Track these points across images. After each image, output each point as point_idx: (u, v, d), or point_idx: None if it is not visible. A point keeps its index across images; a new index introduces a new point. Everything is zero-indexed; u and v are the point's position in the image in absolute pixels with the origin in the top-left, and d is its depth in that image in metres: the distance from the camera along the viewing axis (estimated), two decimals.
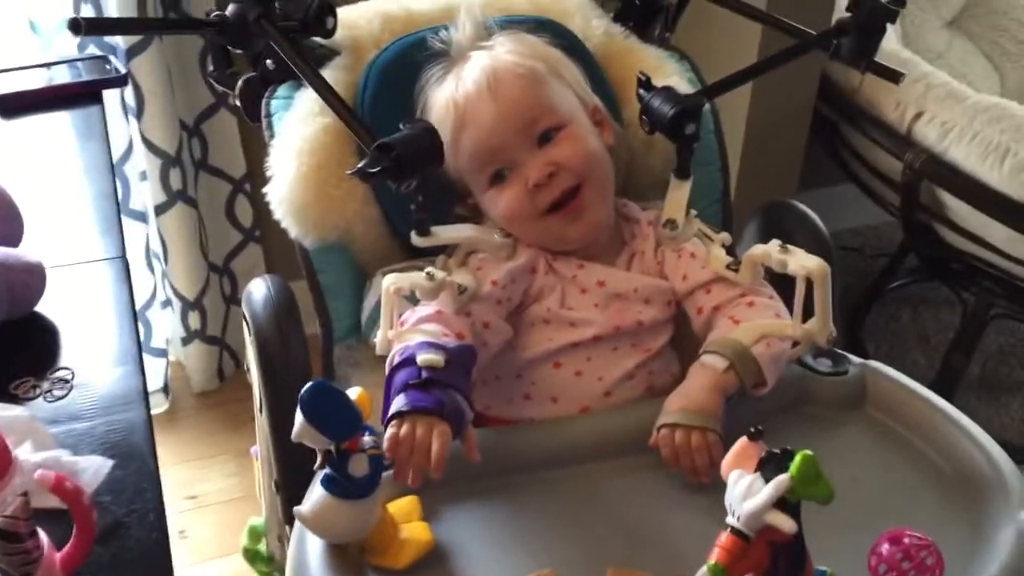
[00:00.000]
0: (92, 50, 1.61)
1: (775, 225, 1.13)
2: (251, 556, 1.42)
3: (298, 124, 1.04)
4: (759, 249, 0.96)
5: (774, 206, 1.17)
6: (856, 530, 0.82)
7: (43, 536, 0.68)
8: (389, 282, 0.92)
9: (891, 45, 1.92)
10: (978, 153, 1.69)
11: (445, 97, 1.02)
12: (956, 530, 0.85)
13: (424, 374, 0.83)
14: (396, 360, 0.87)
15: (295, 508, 0.79)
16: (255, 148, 1.10)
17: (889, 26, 1.97)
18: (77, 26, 0.86)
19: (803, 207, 1.15)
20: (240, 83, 1.10)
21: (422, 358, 0.84)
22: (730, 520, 0.70)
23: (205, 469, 1.97)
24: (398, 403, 0.82)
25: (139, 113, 1.75)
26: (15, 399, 0.85)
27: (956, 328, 2.12)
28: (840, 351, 1.01)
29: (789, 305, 0.97)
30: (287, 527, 0.98)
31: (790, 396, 0.99)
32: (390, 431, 0.81)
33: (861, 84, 1.84)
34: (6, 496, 0.63)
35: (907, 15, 2.27)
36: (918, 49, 2.22)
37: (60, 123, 1.30)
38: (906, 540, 0.78)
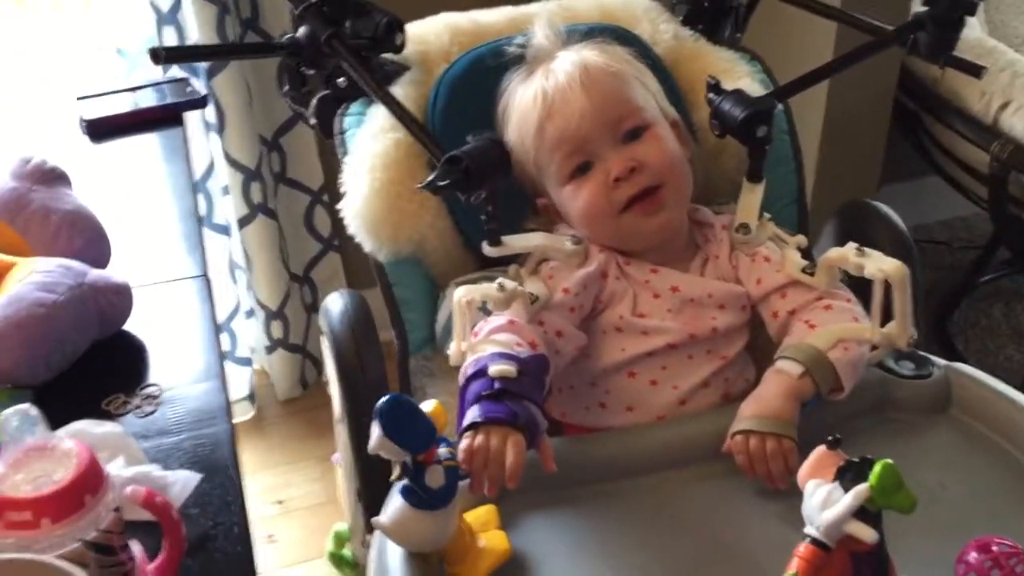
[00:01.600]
0: (175, 71, 1.66)
1: (853, 226, 1.11)
2: (336, 560, 1.46)
3: (370, 140, 1.06)
4: (835, 252, 0.94)
5: (852, 206, 1.15)
6: (942, 538, 0.80)
7: (135, 548, 0.71)
8: (460, 294, 0.93)
9: (974, 34, 1.86)
10: None
11: (534, 89, 1.02)
12: None
13: (497, 385, 0.84)
14: (469, 371, 0.88)
15: (375, 519, 0.81)
16: (332, 160, 1.14)
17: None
18: (157, 56, 0.89)
19: (882, 206, 1.12)
20: (314, 102, 1.12)
21: (494, 369, 0.85)
22: (809, 530, 0.69)
23: (291, 474, 2.01)
24: (472, 414, 0.83)
25: (220, 130, 1.80)
26: (108, 415, 0.89)
27: None
28: (923, 353, 0.99)
29: (868, 308, 0.95)
30: (369, 534, 1.00)
31: (871, 400, 0.97)
32: (464, 442, 0.82)
33: (943, 75, 1.79)
34: (100, 511, 0.66)
35: (995, 1, 2.20)
36: (1004, 35, 2.14)
37: (145, 145, 1.34)
38: (995, 548, 0.76)
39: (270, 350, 2.09)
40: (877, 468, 0.67)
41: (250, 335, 2.11)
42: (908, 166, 2.15)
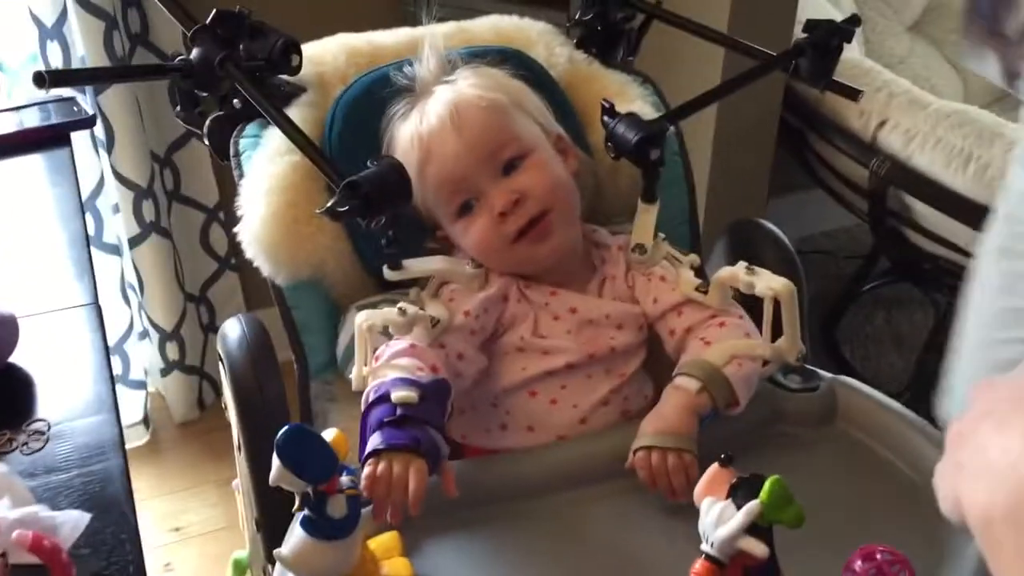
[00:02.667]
0: (60, 89, 1.61)
1: (742, 243, 1.15)
2: None
3: (266, 163, 1.05)
4: (726, 271, 0.97)
5: (740, 224, 1.19)
6: (830, 547, 0.82)
7: None
8: (361, 319, 0.93)
9: (852, 55, 1.95)
10: (942, 159, 1.72)
11: (409, 132, 1.03)
12: (927, 543, 0.86)
13: (399, 411, 0.84)
14: (371, 397, 0.87)
15: (275, 551, 0.80)
16: (227, 176, 1.12)
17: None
18: (41, 80, 0.86)
19: (768, 224, 1.16)
20: (208, 123, 1.10)
21: (396, 395, 0.85)
22: (704, 547, 0.71)
23: (188, 500, 1.96)
24: (374, 441, 0.83)
25: (109, 147, 1.75)
26: None
27: (930, 328, 2.15)
28: (810, 367, 1.03)
29: (759, 324, 0.98)
30: (270, 565, 0.98)
31: (762, 414, 1.00)
32: (367, 470, 0.82)
33: (825, 95, 1.87)
34: None
35: (868, 21, 2.31)
36: (881, 55, 2.25)
37: (30, 167, 1.30)
38: (878, 556, 0.79)
39: (165, 372, 2.05)
40: (767, 485, 0.69)
41: (144, 357, 2.06)
42: (794, 180, 2.24)
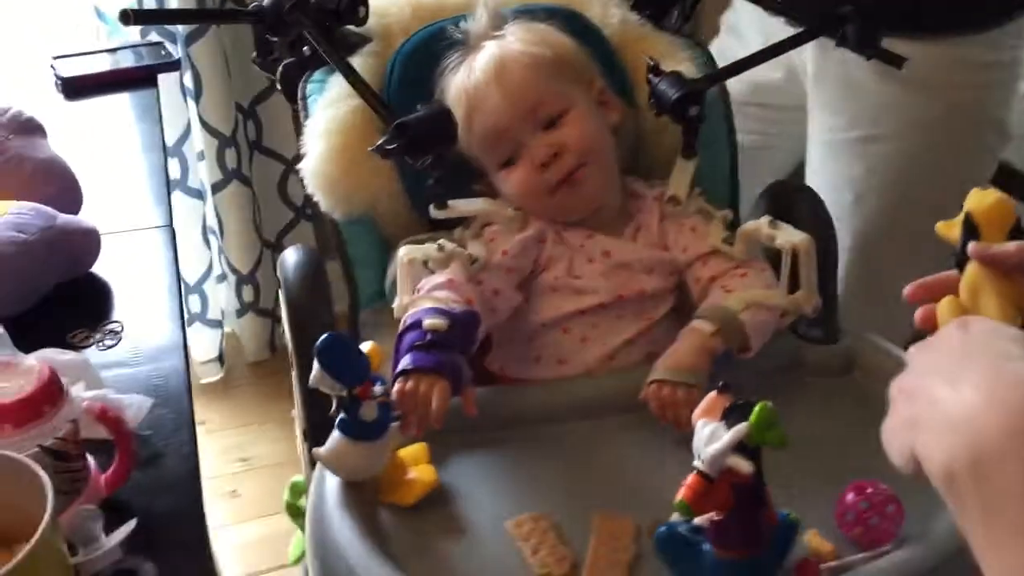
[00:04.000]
0: (152, 36, 1.72)
1: (779, 203, 1.18)
2: (293, 511, 1.51)
3: (329, 106, 1.12)
4: (751, 224, 1.02)
5: (779, 184, 1.22)
6: (830, 483, 0.87)
7: (90, 460, 0.78)
8: (403, 253, 1.01)
9: None
10: None
11: (457, 85, 1.09)
12: (922, 486, 0.90)
13: (428, 336, 0.91)
14: (406, 323, 0.95)
15: (314, 450, 0.88)
16: None
17: None
18: (127, 17, 0.96)
19: (805, 184, 1.20)
20: (280, 69, 1.19)
21: (428, 322, 0.92)
22: (696, 463, 0.76)
23: (256, 434, 2.07)
24: (404, 363, 0.91)
25: (197, 96, 1.85)
26: (71, 347, 0.96)
27: None
28: (835, 321, 1.07)
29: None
30: (311, 468, 1.07)
31: (783, 361, 1.05)
32: (396, 387, 0.90)
33: None
34: (58, 421, 0.73)
35: None
36: None
37: (118, 105, 1.41)
38: (869, 490, 0.84)
39: (240, 313, 2.15)
40: (756, 409, 0.74)
41: (221, 298, 2.17)
42: None
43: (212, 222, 2.04)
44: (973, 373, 0.53)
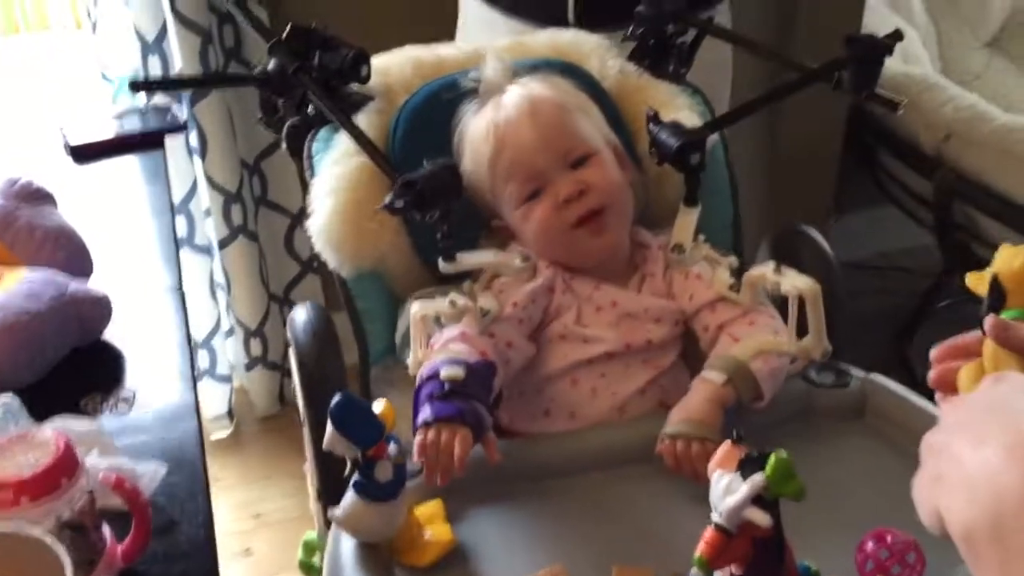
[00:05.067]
0: (158, 98, 1.74)
1: (783, 248, 1.19)
2: (306, 568, 1.50)
3: (334, 164, 1.14)
4: (756, 270, 1.03)
5: (783, 231, 1.23)
6: (847, 530, 0.87)
7: (107, 530, 0.78)
8: (416, 310, 1.01)
9: (921, 69, 1.97)
10: (1006, 172, 1.72)
11: (486, 122, 1.11)
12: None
13: (447, 387, 0.92)
14: (423, 376, 0.96)
15: (330, 511, 0.88)
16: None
17: (923, 49, 2.00)
18: (136, 85, 0.97)
19: (809, 230, 1.20)
20: (286, 127, 1.20)
21: (445, 373, 0.93)
22: (714, 516, 0.76)
23: (267, 489, 2.06)
24: (424, 414, 0.92)
25: (203, 154, 1.87)
26: (84, 413, 0.96)
27: None
28: (843, 365, 1.07)
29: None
30: (327, 529, 1.07)
31: (795, 408, 1.05)
32: (418, 438, 0.90)
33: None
34: (75, 493, 0.73)
35: (944, 37, 2.30)
36: (957, 71, 2.25)
37: (127, 168, 1.42)
38: (889, 539, 0.83)
39: (249, 367, 2.15)
40: (772, 460, 0.74)
41: (229, 353, 2.17)
42: (870, 195, 2.24)
43: (219, 278, 2.05)
44: (997, 430, 0.52)
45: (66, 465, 0.73)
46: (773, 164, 1.83)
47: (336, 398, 0.83)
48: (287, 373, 2.20)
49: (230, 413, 2.16)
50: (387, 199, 0.99)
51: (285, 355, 2.18)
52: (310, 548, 1.50)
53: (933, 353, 0.69)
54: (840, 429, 1.03)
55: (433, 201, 0.99)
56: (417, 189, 0.98)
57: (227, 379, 2.15)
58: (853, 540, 0.85)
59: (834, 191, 1.99)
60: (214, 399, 2.13)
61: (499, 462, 0.94)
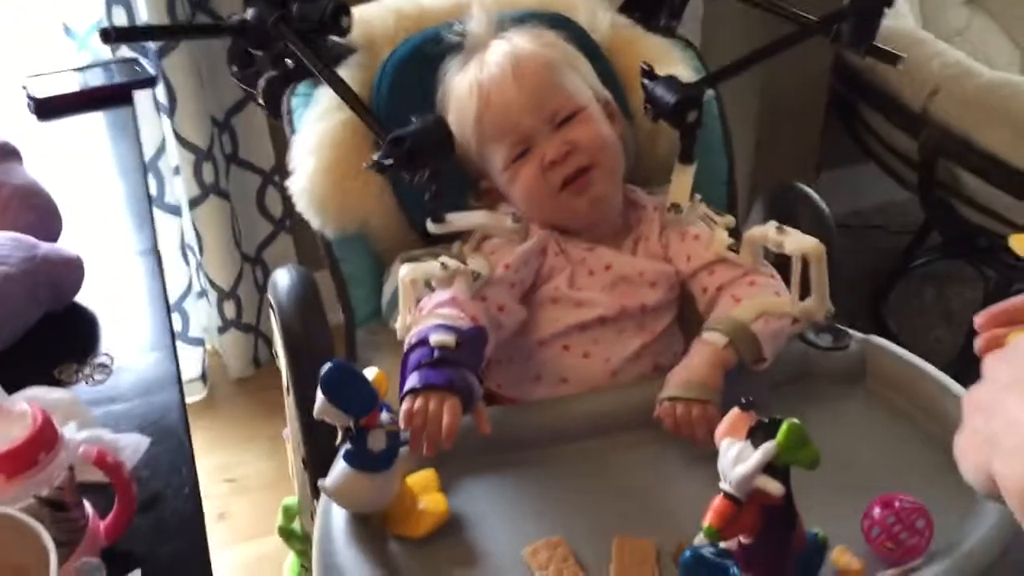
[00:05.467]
0: (124, 51, 1.67)
1: (779, 207, 1.16)
2: (286, 534, 1.49)
3: (316, 120, 1.09)
4: (757, 230, 1.00)
5: (779, 188, 1.20)
6: (852, 496, 0.85)
7: (88, 507, 0.74)
8: (405, 272, 0.97)
9: (906, 24, 1.94)
10: (992, 130, 1.71)
11: (468, 80, 1.07)
12: (948, 497, 0.87)
13: (436, 353, 0.89)
14: (412, 341, 0.92)
15: (320, 481, 0.85)
16: (283, 141, 1.17)
17: (907, 5, 1.98)
18: (107, 35, 0.92)
19: (805, 188, 1.18)
20: (262, 82, 1.15)
21: (435, 339, 0.89)
22: (722, 485, 0.74)
23: (243, 453, 2.03)
24: (412, 380, 0.88)
25: (171, 111, 1.81)
26: (59, 383, 0.91)
27: (978, 305, 2.13)
28: (842, 327, 1.05)
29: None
30: (315, 502, 1.04)
31: (793, 370, 1.02)
32: (404, 406, 0.87)
33: (875, 64, 1.86)
34: (54, 469, 0.69)
35: None
36: (937, 28, 2.22)
37: (93, 124, 1.36)
38: (897, 504, 0.82)
39: (222, 330, 2.11)
40: (784, 427, 0.72)
41: (202, 315, 2.13)
42: (846, 152, 2.22)
43: (190, 238, 2.00)
44: None
45: (44, 439, 0.69)
46: (760, 118, 1.80)
47: (327, 366, 0.80)
48: (261, 335, 2.17)
49: (203, 376, 2.13)
50: (374, 157, 0.95)
51: (259, 317, 2.14)
52: (290, 513, 1.48)
53: (978, 320, 0.67)
54: (839, 392, 1.01)
55: (423, 159, 0.95)
56: (406, 147, 0.94)
57: (200, 342, 2.11)
58: (858, 506, 0.84)
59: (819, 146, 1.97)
60: (187, 362, 2.09)
61: (490, 432, 0.91)
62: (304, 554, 1.43)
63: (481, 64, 1.07)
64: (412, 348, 0.92)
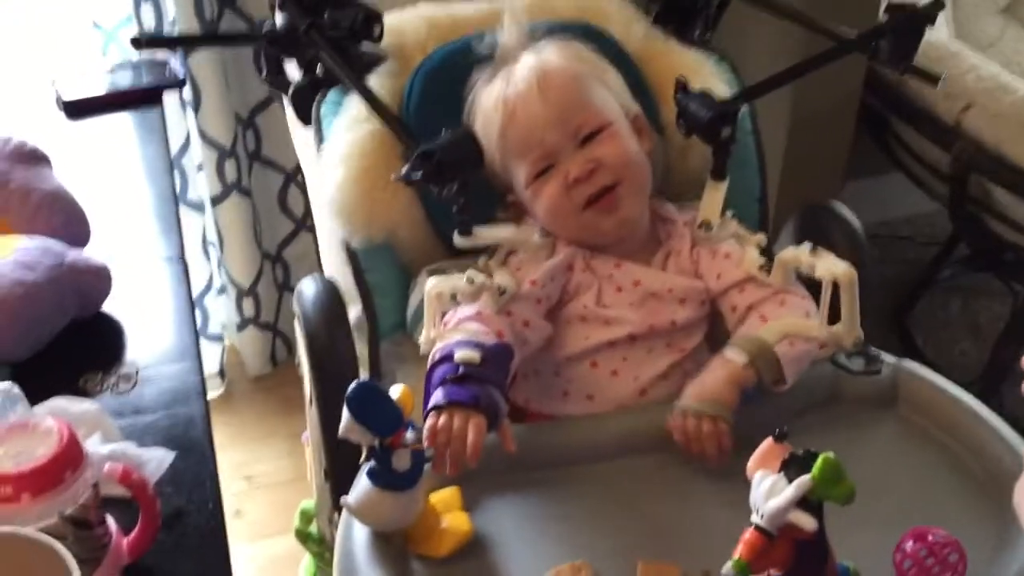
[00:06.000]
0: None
1: (812, 226, 1.14)
2: (303, 537, 1.48)
3: (345, 129, 1.08)
4: (790, 251, 0.98)
5: (812, 208, 1.18)
6: (883, 528, 0.84)
7: (111, 523, 0.74)
8: (431, 286, 0.96)
9: (939, 36, 1.91)
10: None
11: (495, 95, 1.05)
12: (982, 530, 0.86)
13: (461, 369, 0.88)
14: (436, 357, 0.91)
15: (343, 498, 0.84)
16: None
17: (941, 15, 1.95)
18: (138, 43, 0.91)
19: (841, 209, 1.16)
20: (292, 88, 1.14)
21: (459, 355, 0.88)
22: (755, 518, 0.73)
23: (259, 451, 2.03)
24: (436, 397, 0.87)
25: (196, 107, 1.80)
26: (84, 393, 0.91)
27: (1007, 319, 2.11)
28: (874, 350, 1.03)
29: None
30: (336, 513, 1.03)
31: (822, 394, 1.01)
32: (428, 422, 0.86)
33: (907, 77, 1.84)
34: (79, 487, 0.69)
35: (959, 2, 2.24)
36: (971, 37, 2.19)
37: (122, 124, 1.36)
38: (930, 537, 0.80)
39: (241, 327, 2.11)
40: (819, 461, 0.71)
41: (221, 312, 2.12)
42: (874, 163, 2.20)
43: (212, 235, 2.00)
44: None
45: (70, 457, 0.69)
46: (790, 132, 1.78)
47: (353, 385, 0.79)
48: (279, 333, 2.16)
49: (221, 373, 2.13)
50: (403, 170, 0.94)
51: (278, 315, 2.14)
52: (307, 517, 1.47)
53: None
54: (870, 418, 1.00)
55: (452, 173, 0.94)
56: (435, 160, 0.93)
57: (219, 338, 2.11)
58: (890, 538, 0.83)
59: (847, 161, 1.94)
60: (206, 358, 2.05)
61: (515, 450, 0.90)
62: (321, 556, 1.43)
63: (508, 78, 1.05)
64: (437, 363, 0.91)
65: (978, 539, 0.83)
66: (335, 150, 1.08)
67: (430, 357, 0.94)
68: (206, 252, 2.02)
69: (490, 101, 1.06)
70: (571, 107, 1.03)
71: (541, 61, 1.05)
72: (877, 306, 2.36)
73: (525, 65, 1.05)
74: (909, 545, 0.81)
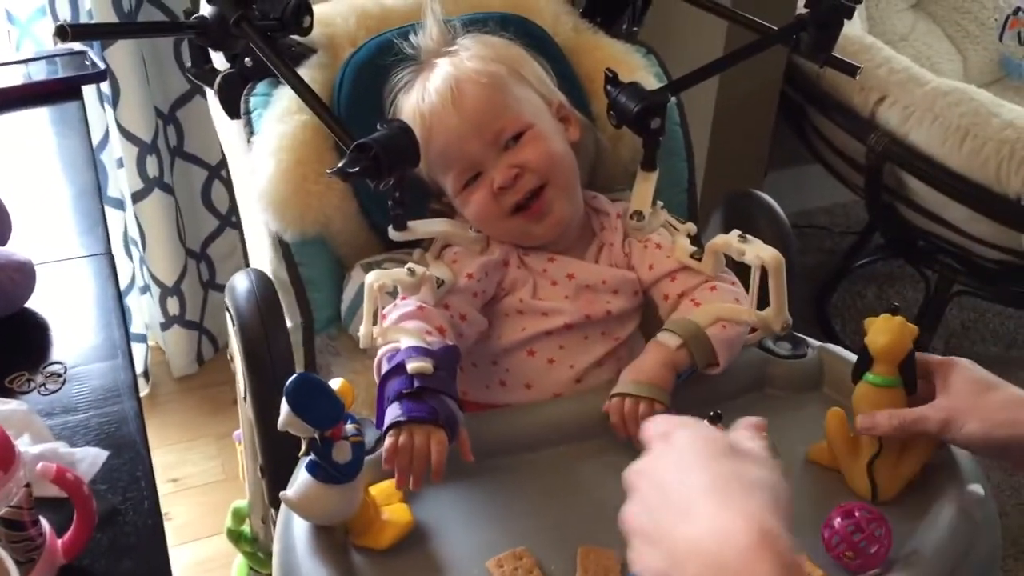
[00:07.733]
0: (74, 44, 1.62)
1: (738, 214, 1.17)
2: (235, 537, 1.46)
3: (276, 121, 1.07)
4: (720, 239, 1.01)
5: (738, 195, 1.21)
6: (811, 505, 0.87)
7: (45, 524, 0.72)
8: (371, 279, 0.95)
9: (854, 31, 1.97)
10: (938, 136, 1.75)
11: (411, 107, 1.05)
12: (905, 504, 0.90)
13: (416, 383, 0.86)
14: (385, 367, 0.89)
15: (281, 493, 0.83)
16: None
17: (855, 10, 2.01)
18: (64, 32, 0.88)
19: (765, 196, 1.19)
20: (219, 81, 1.12)
21: (412, 366, 0.87)
22: None
23: (186, 452, 1.99)
24: (394, 413, 0.86)
25: (115, 101, 1.76)
26: (11, 393, 0.88)
27: (920, 305, 2.19)
28: (799, 335, 1.06)
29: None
30: (272, 510, 1.02)
31: (751, 378, 1.04)
32: (389, 440, 0.85)
33: (825, 70, 1.89)
34: (11, 488, 0.67)
35: None
36: (883, 31, 2.27)
37: (39, 119, 1.31)
38: (857, 514, 0.83)
39: (165, 326, 2.07)
40: None
41: (144, 311, 2.08)
42: (793, 154, 2.26)
43: (133, 232, 1.95)
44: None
45: (1, 458, 0.67)
46: (714, 123, 1.82)
47: (293, 378, 0.78)
48: (205, 332, 2.13)
49: (146, 373, 2.09)
50: (340, 164, 0.93)
51: (203, 314, 2.10)
52: (240, 516, 1.46)
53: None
54: (798, 400, 1.03)
55: (389, 168, 0.93)
56: (372, 154, 0.92)
57: (142, 338, 2.07)
58: (818, 513, 0.85)
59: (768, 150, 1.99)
60: None
61: (472, 461, 0.90)
62: (254, 556, 1.41)
63: (423, 91, 1.04)
64: (389, 374, 0.89)
65: (901, 513, 0.87)
66: (266, 143, 1.06)
67: (376, 361, 0.93)
68: (127, 250, 1.98)
69: (408, 112, 1.05)
70: (488, 115, 1.02)
71: (455, 68, 1.04)
72: (797, 294, 2.43)
73: (439, 75, 1.04)
74: (837, 522, 0.83)
